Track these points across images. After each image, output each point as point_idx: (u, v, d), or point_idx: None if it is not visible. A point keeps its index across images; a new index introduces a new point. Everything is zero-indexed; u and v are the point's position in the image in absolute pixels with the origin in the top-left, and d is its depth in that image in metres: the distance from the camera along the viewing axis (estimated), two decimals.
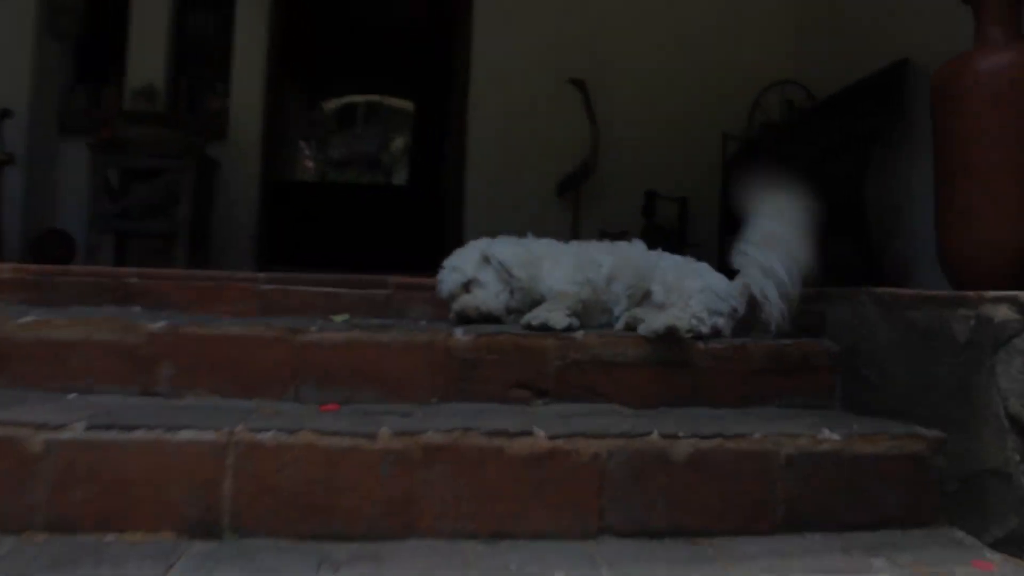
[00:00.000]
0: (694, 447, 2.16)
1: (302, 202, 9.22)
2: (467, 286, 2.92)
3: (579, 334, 2.64)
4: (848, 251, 4.72)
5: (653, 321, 2.61)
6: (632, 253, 3.02)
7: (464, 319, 2.87)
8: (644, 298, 2.95)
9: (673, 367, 2.62)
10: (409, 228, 8.75)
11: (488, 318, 2.87)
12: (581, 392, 2.54)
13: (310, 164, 19.69)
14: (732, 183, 5.66)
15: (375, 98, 15.87)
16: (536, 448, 2.10)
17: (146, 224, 5.66)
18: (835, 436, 2.25)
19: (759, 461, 2.18)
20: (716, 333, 2.73)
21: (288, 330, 2.55)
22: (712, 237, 6.16)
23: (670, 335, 2.57)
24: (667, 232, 6.33)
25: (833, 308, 2.85)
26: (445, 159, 8.16)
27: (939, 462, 2.27)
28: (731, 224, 5.71)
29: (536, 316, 2.69)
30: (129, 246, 6.17)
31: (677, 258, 3.03)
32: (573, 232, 6.37)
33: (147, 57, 6.37)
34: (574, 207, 6.43)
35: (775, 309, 2.73)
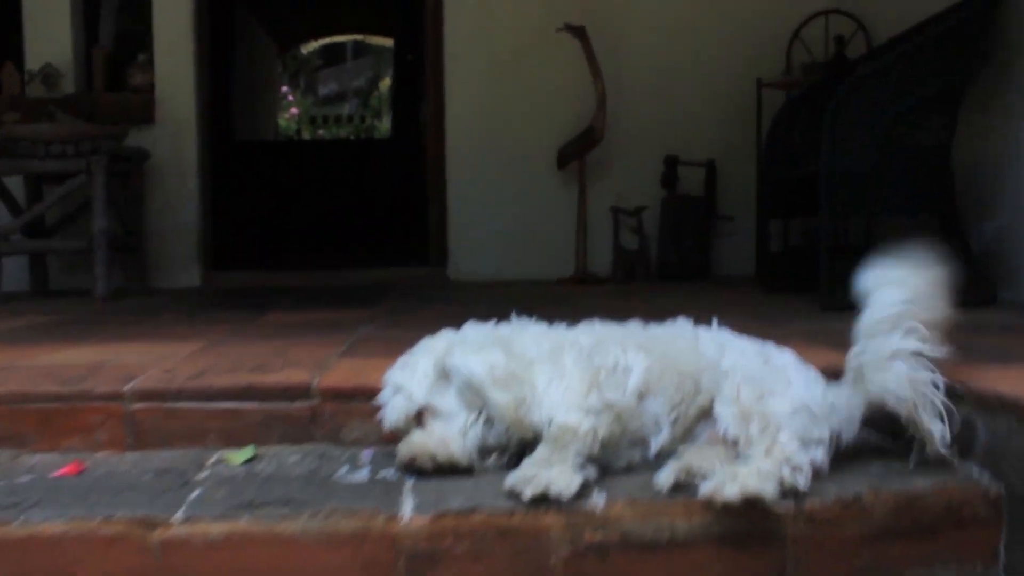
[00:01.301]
0: None
1: (265, 169, 8.09)
2: (419, 416, 1.93)
3: (599, 501, 1.77)
4: (934, 238, 3.64)
5: (724, 480, 1.73)
6: (677, 346, 2.03)
7: (416, 470, 1.93)
8: (699, 420, 1.95)
9: (749, 543, 1.78)
10: (391, 194, 7.65)
11: (453, 468, 1.92)
12: None
13: (295, 111, 18.46)
14: (773, 144, 4.53)
15: (358, 37, 14.57)
16: None
17: (52, 242, 4.60)
18: None
19: None
20: (814, 475, 1.83)
21: (137, 523, 1.72)
22: (747, 208, 5.06)
23: (752, 504, 1.70)
24: (693, 204, 5.25)
25: (991, 419, 1.92)
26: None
27: None
28: (772, 190, 4.79)
29: (528, 478, 1.77)
30: (49, 263, 5.14)
31: (746, 345, 2.05)
32: (579, 211, 5.28)
33: (47, 29, 5.19)
34: (579, 179, 5.33)
35: (936, 431, 1.84)
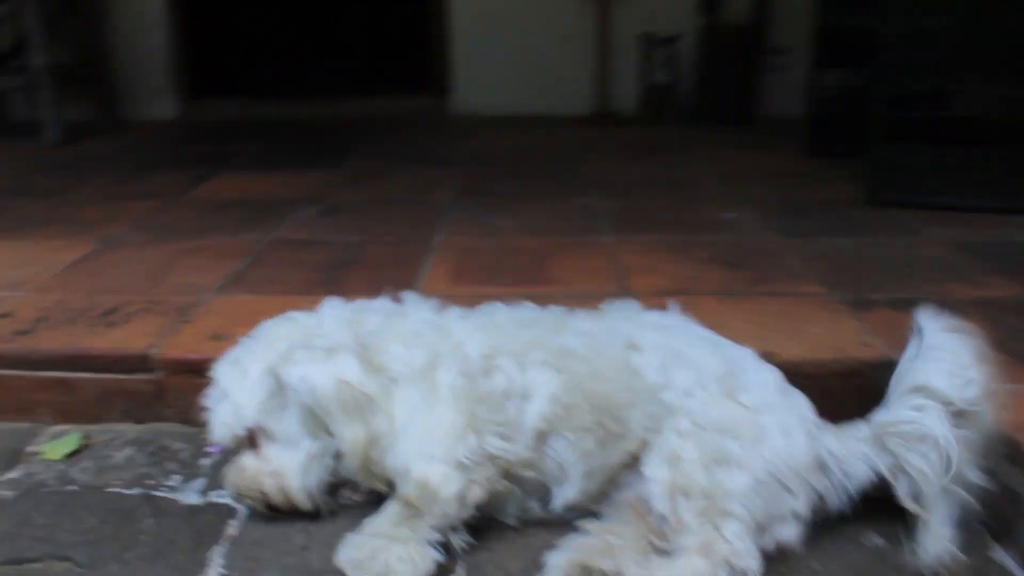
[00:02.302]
0: None
1: None
2: (252, 437, 1.41)
3: None
4: None
5: None
6: (602, 361, 1.45)
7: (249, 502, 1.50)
8: (624, 467, 1.44)
9: None
10: (392, 11, 6.69)
11: (292, 509, 1.48)
12: None
13: None
14: None
15: None
16: None
17: None
18: None
19: None
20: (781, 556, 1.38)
21: None
22: (805, 42, 4.15)
23: None
24: (737, 35, 4.38)
25: None
26: None
27: None
28: (828, 34, 3.87)
29: (358, 561, 1.36)
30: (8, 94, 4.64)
31: (707, 357, 1.46)
32: (601, 37, 4.46)
33: None
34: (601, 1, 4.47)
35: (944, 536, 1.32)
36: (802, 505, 1.35)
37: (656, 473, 1.35)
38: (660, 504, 1.33)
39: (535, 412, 1.39)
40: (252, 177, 3.44)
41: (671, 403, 1.39)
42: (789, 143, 3.83)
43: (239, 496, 1.50)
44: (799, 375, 1.71)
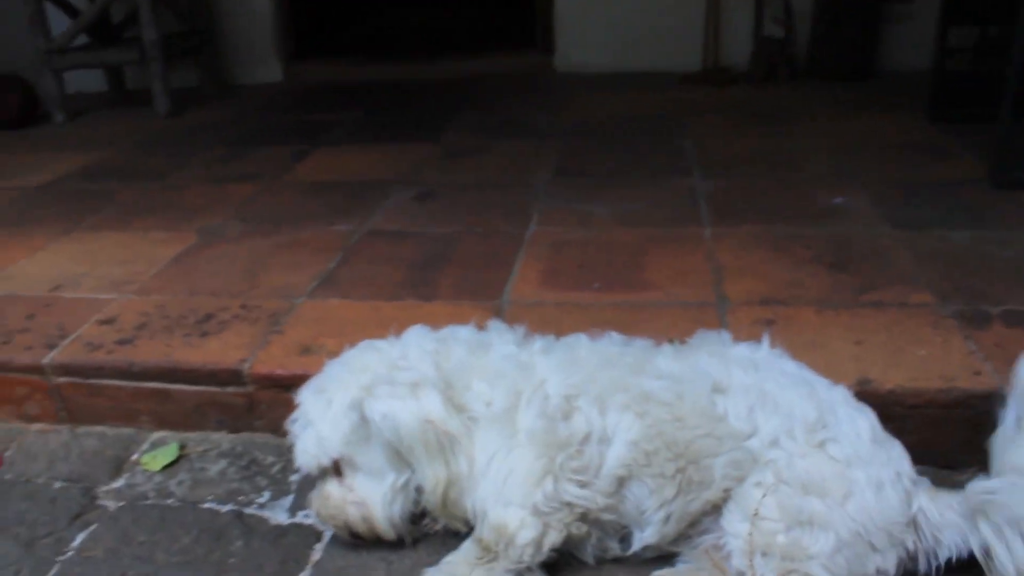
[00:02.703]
0: None
1: None
2: (337, 467, 1.43)
3: None
4: None
5: None
6: (686, 404, 1.39)
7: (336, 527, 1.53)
8: (706, 514, 1.39)
9: None
10: None
11: (376, 538, 1.51)
12: None
13: None
14: None
15: None
16: None
17: (106, 54, 4.22)
18: None
19: None
20: None
21: None
22: None
23: None
24: None
25: None
26: None
27: None
28: None
29: None
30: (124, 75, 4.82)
31: (798, 403, 1.36)
32: None
33: None
34: None
35: None
36: (890, 564, 1.27)
37: (736, 528, 1.30)
38: (738, 560, 1.28)
39: (614, 457, 1.35)
40: (349, 153, 3.46)
41: (756, 451, 1.32)
42: (911, 105, 3.55)
43: (325, 522, 1.53)
44: (900, 404, 1.62)
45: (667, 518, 1.37)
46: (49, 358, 1.91)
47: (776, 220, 2.46)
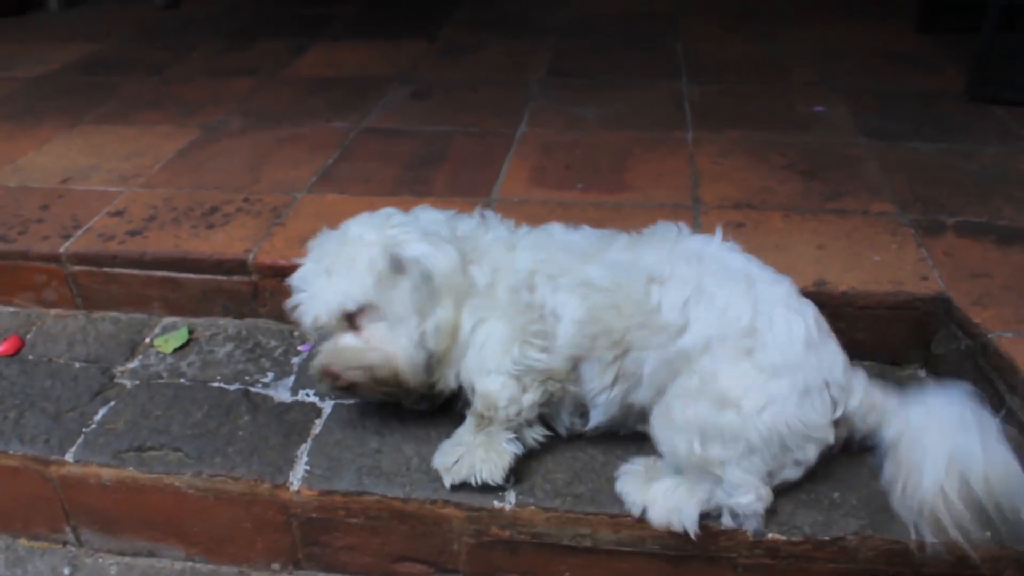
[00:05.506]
0: None
1: None
2: (353, 318, 1.52)
3: (509, 499, 1.54)
4: None
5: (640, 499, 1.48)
6: (621, 293, 1.48)
7: (341, 387, 1.56)
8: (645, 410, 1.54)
9: (688, 561, 1.53)
10: None
11: (397, 385, 1.56)
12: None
13: None
14: None
15: None
16: None
17: None
18: None
19: None
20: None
21: (32, 459, 1.70)
22: None
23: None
24: None
25: None
26: None
27: None
28: None
29: (447, 465, 1.54)
30: None
31: (730, 302, 1.44)
32: None
33: None
34: None
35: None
36: (811, 455, 1.42)
37: (656, 431, 1.47)
38: (666, 454, 1.46)
39: (565, 334, 1.47)
40: (348, 47, 3.50)
41: (689, 348, 1.42)
42: (903, 13, 3.58)
43: (331, 376, 1.53)
44: (851, 305, 1.77)
45: (609, 403, 1.52)
46: (65, 247, 2.04)
47: (757, 127, 2.56)
